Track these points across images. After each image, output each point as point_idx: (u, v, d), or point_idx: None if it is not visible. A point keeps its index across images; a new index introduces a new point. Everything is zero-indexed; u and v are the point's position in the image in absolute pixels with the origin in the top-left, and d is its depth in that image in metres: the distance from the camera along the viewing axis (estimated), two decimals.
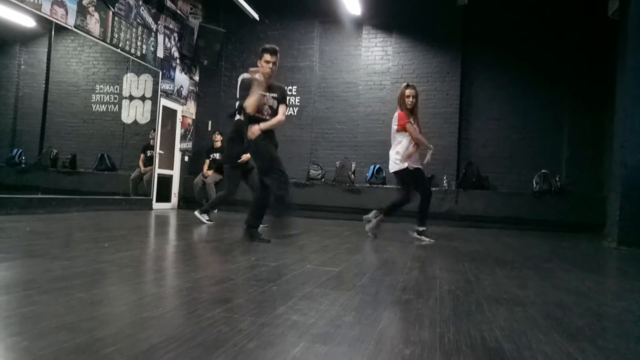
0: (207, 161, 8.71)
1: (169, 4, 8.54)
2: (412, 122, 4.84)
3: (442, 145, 8.21)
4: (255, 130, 3.95)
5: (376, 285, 2.39)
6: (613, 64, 6.40)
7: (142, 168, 8.37)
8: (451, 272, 2.96)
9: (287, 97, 4.26)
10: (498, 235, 6.44)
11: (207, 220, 5.93)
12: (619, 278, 3.47)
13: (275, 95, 4.09)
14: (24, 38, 7.11)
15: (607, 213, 6.03)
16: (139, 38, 7.81)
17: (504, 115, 8.18)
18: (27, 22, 6.11)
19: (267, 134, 4.04)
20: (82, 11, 6.50)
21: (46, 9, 5.92)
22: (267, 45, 4.09)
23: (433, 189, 7.93)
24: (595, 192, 7.41)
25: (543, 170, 7.69)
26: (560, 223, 7.37)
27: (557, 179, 7.64)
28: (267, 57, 3.99)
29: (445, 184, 8.05)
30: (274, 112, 4.06)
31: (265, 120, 4.01)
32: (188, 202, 9.01)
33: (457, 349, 1.44)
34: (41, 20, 6.03)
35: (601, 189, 7.32)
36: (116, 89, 8.23)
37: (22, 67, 7.29)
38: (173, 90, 8.84)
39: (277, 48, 4.09)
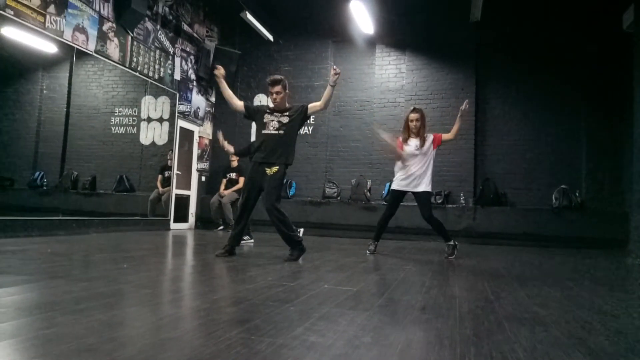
0: (224, 181, 8.80)
1: (185, 27, 8.74)
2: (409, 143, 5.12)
3: (458, 162, 8.18)
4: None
5: (394, 305, 2.37)
6: (629, 77, 6.33)
7: (160, 189, 8.47)
8: (471, 291, 2.91)
9: (303, 106, 4.46)
10: (517, 252, 6.33)
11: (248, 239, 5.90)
12: None
13: (287, 113, 4.35)
14: (46, 64, 7.33)
15: (630, 228, 5.90)
16: (157, 61, 7.99)
17: (520, 130, 8.12)
18: (49, 48, 6.30)
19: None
20: (102, 37, 6.69)
21: (68, 36, 6.11)
22: (267, 79, 4.46)
23: (450, 206, 7.95)
24: (617, 207, 7.27)
25: (562, 186, 7.58)
26: (581, 239, 7.23)
27: (577, 194, 7.52)
28: (269, 90, 4.36)
29: (462, 201, 7.98)
30: (283, 126, 4.29)
31: (270, 133, 4.28)
32: (205, 222, 9.07)
33: None
34: (63, 46, 6.22)
35: (623, 204, 7.18)
36: (135, 111, 8.40)
37: (45, 92, 7.50)
38: (190, 112, 8.98)
39: (275, 79, 4.37)
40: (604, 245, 7.03)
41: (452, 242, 5.01)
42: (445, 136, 5.12)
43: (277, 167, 4.22)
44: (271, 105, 4.44)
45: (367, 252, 5.14)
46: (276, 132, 4.27)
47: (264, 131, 4.31)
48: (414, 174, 4.99)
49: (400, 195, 5.14)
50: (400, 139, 5.18)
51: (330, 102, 4.48)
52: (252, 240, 5.95)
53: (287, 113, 4.34)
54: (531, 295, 2.80)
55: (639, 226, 5.40)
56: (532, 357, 1.55)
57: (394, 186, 5.17)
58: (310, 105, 4.42)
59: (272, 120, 4.31)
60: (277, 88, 4.30)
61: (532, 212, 7.63)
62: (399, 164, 5.11)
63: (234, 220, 4.73)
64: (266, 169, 4.22)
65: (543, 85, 8.02)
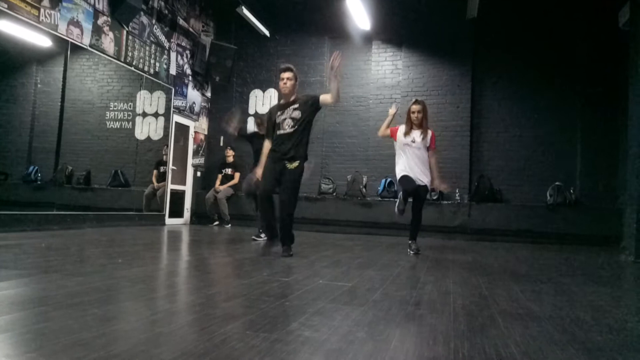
0: (220, 176, 8.79)
1: (181, 22, 8.70)
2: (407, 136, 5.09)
3: (454, 158, 8.19)
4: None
5: (389, 300, 2.38)
6: (625, 75, 6.36)
7: (155, 184, 8.45)
8: (465, 286, 2.93)
9: (314, 96, 4.37)
10: (512, 248, 6.36)
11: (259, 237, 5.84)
12: (638, 292, 3.40)
13: (296, 106, 4.27)
14: (41, 57, 7.27)
15: (623, 226, 5.94)
16: (152, 56, 7.95)
17: (516, 127, 8.14)
18: (43, 42, 6.25)
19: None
20: (97, 31, 6.64)
21: (62, 29, 6.06)
22: (281, 65, 4.45)
23: (445, 202, 7.96)
24: (611, 204, 7.30)
25: (557, 183, 7.62)
26: (575, 236, 7.27)
27: (571, 191, 7.55)
28: (281, 75, 4.35)
29: (457, 197, 8.00)
30: (297, 122, 4.23)
31: (286, 133, 4.21)
32: (200, 217, 9.05)
33: None
34: (57, 40, 6.17)
35: (617, 201, 7.21)
36: (130, 106, 8.35)
37: (39, 86, 7.44)
38: (185, 107, 8.95)
39: (289, 66, 4.37)
40: (598, 242, 7.08)
41: (417, 244, 5.00)
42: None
43: (298, 162, 4.18)
44: (280, 96, 4.47)
45: (410, 251, 4.97)
46: (292, 129, 4.21)
47: (279, 132, 4.25)
48: (415, 167, 4.95)
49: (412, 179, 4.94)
50: (399, 128, 5.14)
51: (339, 95, 4.27)
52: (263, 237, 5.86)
53: (297, 106, 4.25)
54: (525, 291, 2.82)
55: (632, 223, 5.43)
56: (525, 353, 1.56)
57: (401, 174, 5.02)
58: (321, 97, 4.27)
59: (285, 119, 4.24)
60: (288, 74, 4.29)
61: (526, 208, 7.66)
62: (400, 154, 5.09)
63: (261, 219, 4.76)
64: (286, 163, 4.18)
65: (539, 82, 8.04)
